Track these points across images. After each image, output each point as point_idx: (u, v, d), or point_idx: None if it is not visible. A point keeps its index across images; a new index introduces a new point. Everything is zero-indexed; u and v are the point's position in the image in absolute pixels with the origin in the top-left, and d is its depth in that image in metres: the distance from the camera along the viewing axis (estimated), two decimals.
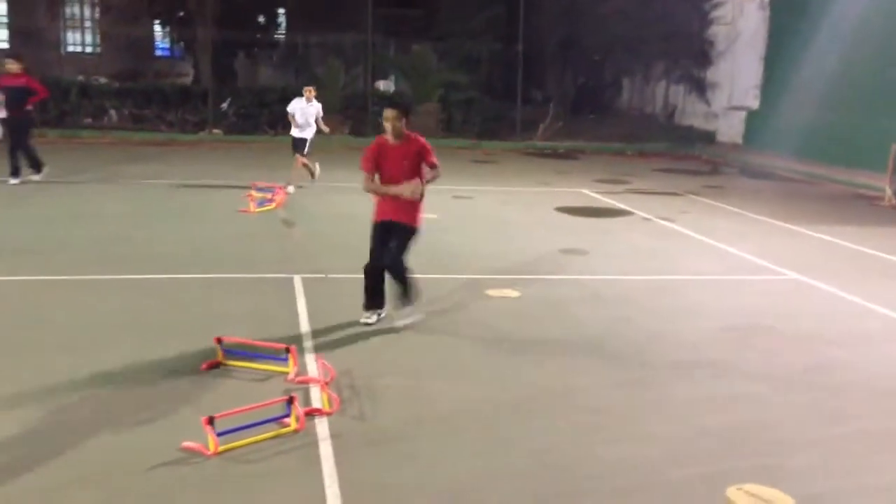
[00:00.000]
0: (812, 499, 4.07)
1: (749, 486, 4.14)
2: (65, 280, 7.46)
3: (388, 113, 6.22)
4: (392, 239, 6.31)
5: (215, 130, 20.36)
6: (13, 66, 12.51)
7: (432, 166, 6.35)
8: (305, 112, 12.54)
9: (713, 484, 4.17)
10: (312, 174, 12.90)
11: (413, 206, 6.32)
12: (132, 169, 14.47)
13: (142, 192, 12.21)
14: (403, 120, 6.23)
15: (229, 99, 21.27)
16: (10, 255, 8.28)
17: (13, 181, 12.40)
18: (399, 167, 6.24)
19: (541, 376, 5.60)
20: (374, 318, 6.43)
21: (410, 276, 6.38)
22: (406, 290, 6.38)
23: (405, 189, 6.20)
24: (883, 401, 5.44)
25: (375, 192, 6.33)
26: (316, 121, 12.68)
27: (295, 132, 12.69)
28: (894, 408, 5.34)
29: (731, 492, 4.08)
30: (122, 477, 4.03)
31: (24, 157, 12.60)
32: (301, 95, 12.73)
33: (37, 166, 12.74)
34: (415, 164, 6.28)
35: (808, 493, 4.12)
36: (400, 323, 6.38)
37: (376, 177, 6.30)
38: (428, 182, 6.37)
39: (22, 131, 12.60)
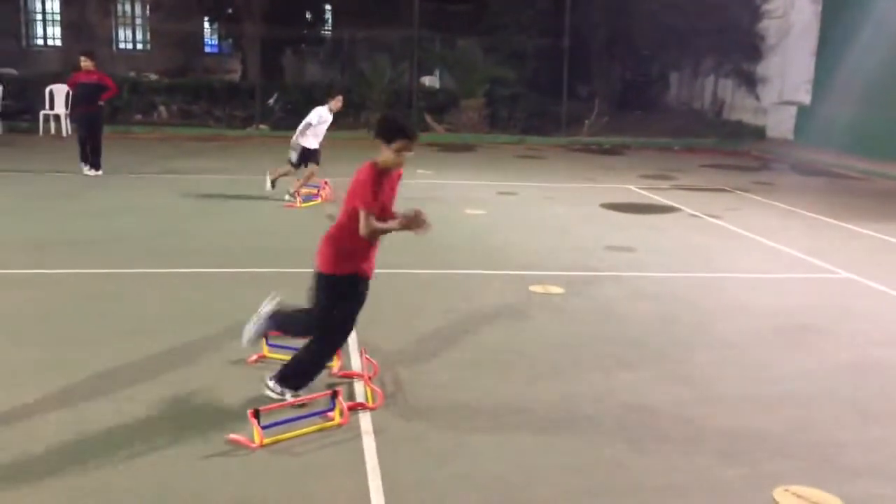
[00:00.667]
0: (860, 500, 4.00)
1: (796, 488, 4.08)
2: (116, 273, 7.61)
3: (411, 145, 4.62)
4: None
5: (262, 126, 20.57)
6: (88, 63, 12.99)
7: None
8: (328, 121, 11.30)
9: (760, 484, 4.12)
10: (273, 184, 11.49)
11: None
12: (181, 164, 14.70)
13: (191, 186, 12.39)
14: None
15: (276, 95, 21.48)
16: (66, 246, 8.49)
17: (94, 173, 13.03)
18: (391, 198, 4.84)
19: (586, 374, 5.56)
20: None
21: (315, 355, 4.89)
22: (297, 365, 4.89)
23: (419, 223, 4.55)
24: None
25: (384, 233, 4.70)
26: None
27: (312, 143, 11.31)
28: None
29: (778, 493, 4.02)
30: (169, 467, 4.11)
31: (92, 151, 13.09)
32: (324, 104, 11.32)
33: (98, 165, 13.15)
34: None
35: (856, 494, 4.05)
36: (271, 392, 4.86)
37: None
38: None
39: (98, 126, 13.16)
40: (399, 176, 4.85)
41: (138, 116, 20.80)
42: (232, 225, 9.97)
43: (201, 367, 5.41)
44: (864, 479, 4.25)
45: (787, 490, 4.05)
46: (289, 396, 4.79)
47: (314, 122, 11.19)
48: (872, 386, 5.56)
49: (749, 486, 4.13)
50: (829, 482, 4.16)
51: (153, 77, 23.70)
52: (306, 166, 11.39)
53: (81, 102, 13.13)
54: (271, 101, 21.40)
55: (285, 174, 11.56)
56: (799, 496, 4.01)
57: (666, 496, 4.02)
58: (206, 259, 8.20)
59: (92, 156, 13.11)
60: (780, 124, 22.03)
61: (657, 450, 4.49)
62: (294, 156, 11.40)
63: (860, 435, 4.80)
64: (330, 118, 11.35)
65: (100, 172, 13.06)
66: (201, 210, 10.82)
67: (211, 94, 21.35)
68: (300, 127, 11.31)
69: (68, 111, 12.89)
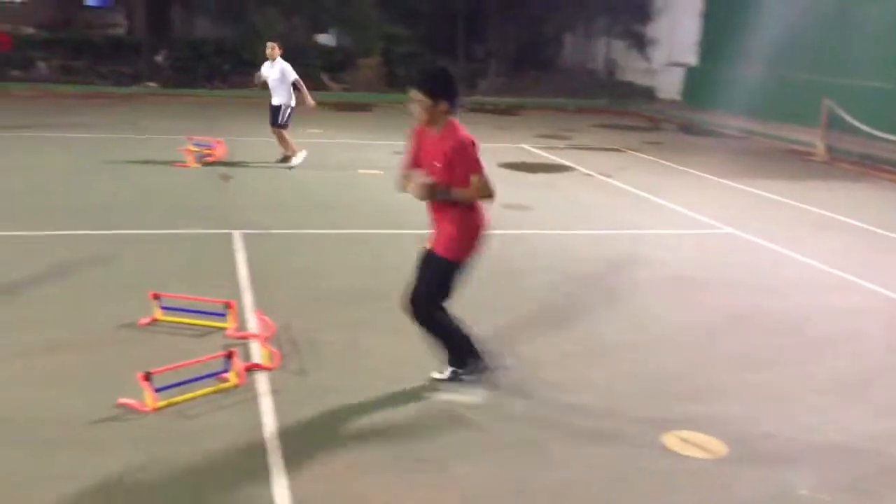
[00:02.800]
0: (743, 443, 4.22)
1: (682, 433, 4.27)
2: None
3: (413, 94, 4.47)
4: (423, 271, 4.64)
5: (150, 83, 19.82)
6: None
7: (465, 181, 4.38)
8: (271, 74, 11.06)
9: (649, 430, 4.29)
10: (289, 157, 11.17)
11: (452, 229, 4.51)
12: (62, 122, 14.02)
13: (73, 145, 11.86)
14: (441, 105, 4.41)
15: (164, 51, 20.69)
16: None
17: None
18: (432, 168, 4.46)
19: (475, 330, 5.64)
20: (438, 374, 4.74)
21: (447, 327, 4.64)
22: (446, 344, 4.68)
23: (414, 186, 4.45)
24: (812, 346, 5.64)
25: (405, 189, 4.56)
26: (296, 87, 11.07)
27: (273, 100, 11.14)
28: (822, 352, 5.54)
29: (667, 438, 4.21)
30: (55, 431, 3.98)
31: None
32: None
33: None
34: (449, 169, 4.39)
35: (739, 437, 4.27)
36: (454, 398, 4.58)
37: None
38: (455, 199, 4.43)
39: None
40: (450, 147, 4.41)
41: (15, 73, 19.69)
42: (118, 186, 9.58)
43: (89, 332, 5.22)
44: (747, 423, 4.47)
45: (674, 435, 4.24)
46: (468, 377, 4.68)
47: (266, 75, 11.14)
48: (755, 333, 5.85)
49: (639, 431, 4.30)
50: (714, 426, 4.36)
51: (31, 31, 22.44)
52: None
53: None
54: (159, 57, 20.61)
55: (283, 139, 11.17)
56: (684, 440, 4.20)
57: (554, 442, 4.15)
58: (92, 220, 7.88)
59: None
60: (670, 85, 22.64)
61: (538, 397, 4.62)
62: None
63: (743, 379, 5.04)
64: (275, 67, 11.06)
65: None
66: (82, 170, 10.35)
67: (94, 50, 20.40)
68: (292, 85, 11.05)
69: None
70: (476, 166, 4.39)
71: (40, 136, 12.56)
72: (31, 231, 7.45)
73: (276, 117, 11.12)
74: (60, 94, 18.24)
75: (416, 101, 4.44)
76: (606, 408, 4.57)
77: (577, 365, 5.16)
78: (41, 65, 20.07)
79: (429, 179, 4.38)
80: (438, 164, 4.41)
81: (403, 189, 4.57)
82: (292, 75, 11.03)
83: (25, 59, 19.91)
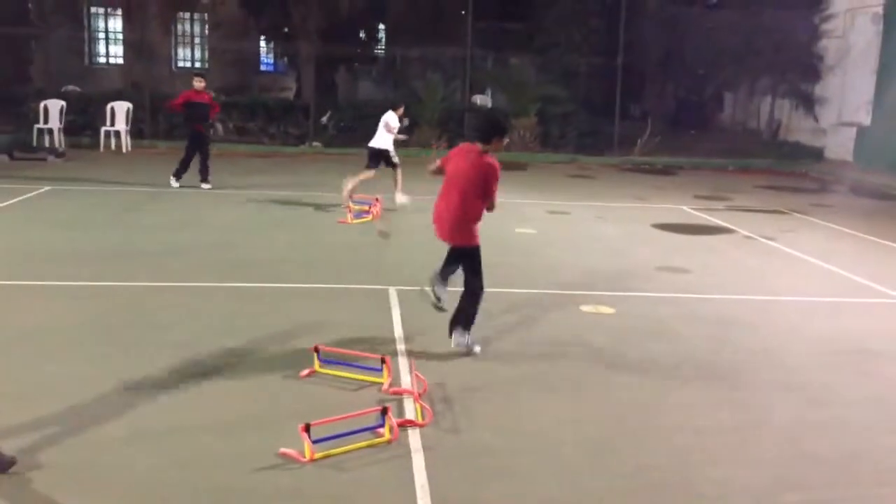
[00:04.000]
0: None
1: None
2: (173, 286, 7.75)
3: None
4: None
5: (315, 143, 20.83)
6: (201, 83, 13.47)
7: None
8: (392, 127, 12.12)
9: None
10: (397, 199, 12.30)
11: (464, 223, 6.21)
12: (236, 180, 14.93)
13: (245, 202, 12.59)
14: (492, 143, 6.08)
15: (329, 112, 21.74)
16: (123, 259, 8.68)
17: (207, 186, 13.62)
18: (465, 177, 6.12)
19: (637, 394, 5.51)
20: (464, 340, 6.19)
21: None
22: (473, 314, 6.23)
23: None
24: None
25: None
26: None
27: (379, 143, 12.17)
28: None
29: None
30: (222, 478, 4.17)
31: (204, 166, 13.65)
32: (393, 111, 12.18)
33: (179, 175, 13.64)
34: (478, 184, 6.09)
35: None
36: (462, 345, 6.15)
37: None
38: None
39: (209, 143, 13.87)
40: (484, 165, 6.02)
41: None
42: (284, 241, 10.07)
43: (254, 380, 5.47)
44: None
45: None
46: (477, 349, 6.10)
47: (389, 122, 12.07)
48: None
49: None
50: None
51: (211, 95, 24.13)
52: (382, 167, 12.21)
53: (195, 120, 13.46)
54: (324, 118, 21.67)
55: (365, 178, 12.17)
56: None
57: None
58: (258, 274, 8.30)
59: (203, 170, 13.59)
60: (839, 146, 21.59)
61: (714, 472, 4.40)
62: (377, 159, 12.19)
63: None
64: (397, 123, 12.11)
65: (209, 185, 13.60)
66: (253, 225, 10.97)
67: (266, 112, 21.69)
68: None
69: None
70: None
71: (216, 194, 13.39)
72: (210, 283, 7.92)
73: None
74: (234, 153, 19.45)
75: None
76: (780, 485, 4.31)
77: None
78: (218, 126, 21.50)
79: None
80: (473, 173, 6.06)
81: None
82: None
83: None
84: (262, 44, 30.73)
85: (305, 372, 5.56)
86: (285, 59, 29.20)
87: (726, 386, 5.74)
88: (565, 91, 22.22)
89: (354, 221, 11.28)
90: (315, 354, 5.63)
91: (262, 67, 32.19)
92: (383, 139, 12.15)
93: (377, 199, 12.11)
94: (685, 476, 4.39)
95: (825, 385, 5.85)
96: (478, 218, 6.13)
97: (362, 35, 27.76)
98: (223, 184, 14.28)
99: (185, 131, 14.10)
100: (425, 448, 4.55)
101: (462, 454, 4.53)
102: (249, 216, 11.57)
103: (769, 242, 11.09)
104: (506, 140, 6.10)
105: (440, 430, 4.81)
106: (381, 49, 29.48)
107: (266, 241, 10.05)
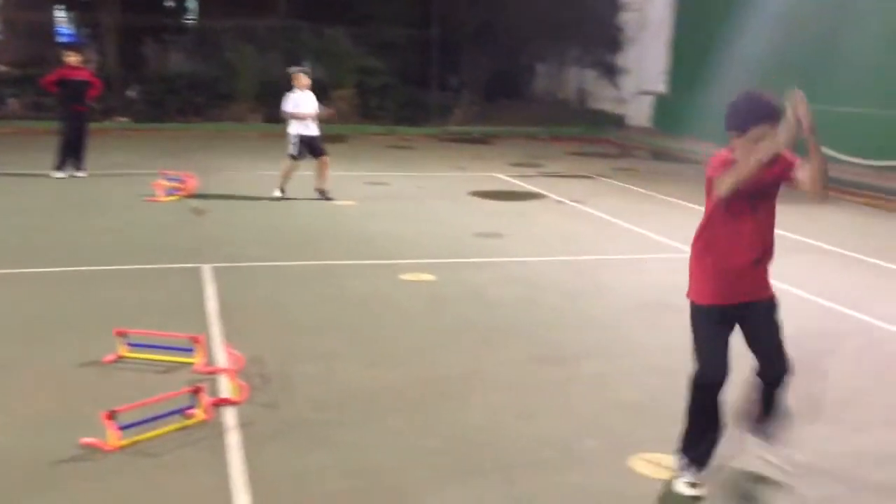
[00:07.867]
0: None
1: (651, 455, 4.26)
2: None
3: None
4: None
5: (122, 118, 19.75)
6: (74, 58, 12.25)
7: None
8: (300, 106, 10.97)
9: (619, 454, 4.28)
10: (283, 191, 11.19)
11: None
12: (33, 159, 13.90)
13: (43, 182, 11.77)
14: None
15: (135, 86, 20.67)
16: None
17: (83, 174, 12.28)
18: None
19: (455, 357, 5.63)
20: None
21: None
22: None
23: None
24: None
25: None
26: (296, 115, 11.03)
27: (312, 129, 11.11)
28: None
29: (633, 460, 4.20)
30: (18, 477, 3.90)
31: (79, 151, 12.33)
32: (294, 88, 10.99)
33: (62, 167, 12.30)
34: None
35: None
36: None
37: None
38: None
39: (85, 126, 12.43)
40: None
41: None
42: (86, 222, 9.51)
43: (53, 370, 5.14)
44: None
45: (641, 458, 4.23)
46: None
47: (289, 108, 10.98)
48: None
49: (610, 455, 4.29)
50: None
51: (2, 68, 22.36)
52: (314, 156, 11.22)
53: (71, 101, 12.13)
54: (132, 92, 20.58)
55: (288, 173, 11.15)
56: (652, 462, 4.19)
57: (534, 468, 4.11)
58: (58, 258, 7.80)
59: (78, 157, 12.23)
60: (639, 113, 22.91)
61: (525, 425, 4.58)
62: (292, 148, 11.08)
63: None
64: (304, 98, 11.00)
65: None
66: (52, 207, 10.27)
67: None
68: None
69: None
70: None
71: (9, 175, 12.42)
72: (1, 269, 7.37)
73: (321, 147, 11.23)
74: (32, 130, 18.12)
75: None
76: (583, 433, 4.54)
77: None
78: (11, 101, 19.95)
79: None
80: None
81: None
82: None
83: None
84: (62, 13, 28.65)
85: (111, 357, 5.28)
86: (86, 29, 27.39)
87: (539, 344, 5.97)
88: (382, 62, 22.23)
89: (166, 199, 10.80)
90: (120, 338, 5.36)
91: (63, 38, 30.06)
92: (293, 126, 11.05)
93: (190, 175, 11.65)
94: (496, 432, 4.53)
95: (629, 338, 6.21)
96: None
97: (172, 3, 26.47)
98: (17, 164, 13.27)
99: (61, 113, 12.48)
100: (242, 425, 4.45)
101: (281, 429, 4.46)
102: (48, 198, 10.81)
103: (578, 206, 11.62)
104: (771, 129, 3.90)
105: (257, 406, 4.71)
106: (191, 19, 28.23)
107: (66, 223, 9.44)
